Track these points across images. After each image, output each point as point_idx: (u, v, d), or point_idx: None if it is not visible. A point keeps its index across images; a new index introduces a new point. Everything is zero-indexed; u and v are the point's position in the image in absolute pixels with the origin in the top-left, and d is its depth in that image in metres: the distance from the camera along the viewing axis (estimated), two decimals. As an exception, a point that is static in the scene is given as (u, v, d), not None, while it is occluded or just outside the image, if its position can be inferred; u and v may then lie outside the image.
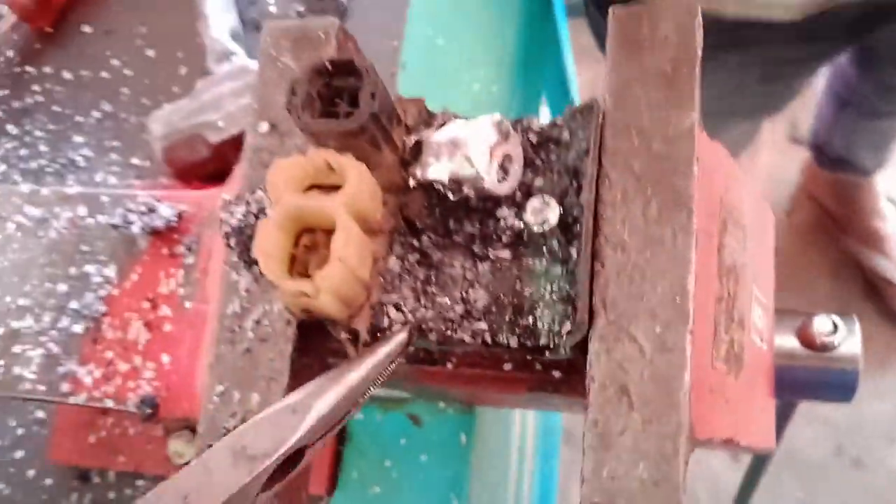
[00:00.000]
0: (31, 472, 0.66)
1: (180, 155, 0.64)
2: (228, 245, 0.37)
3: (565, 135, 0.36)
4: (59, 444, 0.64)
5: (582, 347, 0.33)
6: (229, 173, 0.59)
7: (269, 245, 0.31)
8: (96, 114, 0.73)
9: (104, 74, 0.73)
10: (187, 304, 0.51)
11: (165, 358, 0.50)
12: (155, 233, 0.52)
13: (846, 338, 0.48)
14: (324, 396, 0.31)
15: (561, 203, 0.35)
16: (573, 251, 0.35)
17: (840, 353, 0.49)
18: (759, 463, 0.84)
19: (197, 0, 0.68)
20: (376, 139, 0.33)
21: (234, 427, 0.35)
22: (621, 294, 0.33)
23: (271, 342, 0.36)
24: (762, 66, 0.90)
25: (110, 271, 0.53)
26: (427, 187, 0.35)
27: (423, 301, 0.36)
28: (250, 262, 0.37)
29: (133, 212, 0.52)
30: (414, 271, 0.36)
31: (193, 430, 0.62)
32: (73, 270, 0.53)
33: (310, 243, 0.33)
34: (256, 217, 0.36)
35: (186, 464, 0.62)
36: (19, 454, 0.67)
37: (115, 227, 0.52)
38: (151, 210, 0.52)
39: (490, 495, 0.65)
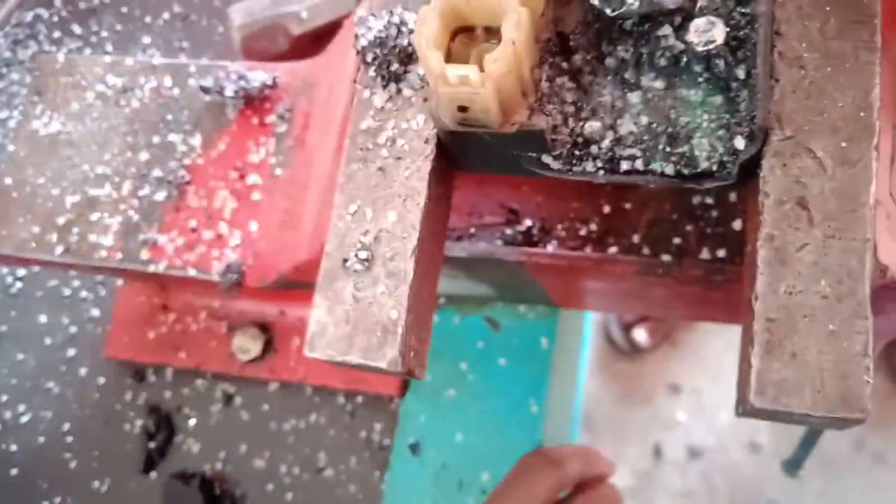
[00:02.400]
0: (83, 371, 0.64)
1: (259, 45, 0.62)
2: (364, 61, 0.35)
3: (728, -41, 0.34)
4: (117, 339, 0.62)
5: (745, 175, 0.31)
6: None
7: (431, 31, 0.29)
8: (166, 14, 0.71)
9: (175, -26, 0.71)
10: (278, 172, 0.49)
11: (254, 226, 0.48)
12: (246, 101, 0.50)
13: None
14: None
15: (726, 25, 0.33)
16: (740, 73, 0.33)
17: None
18: (814, 434, 0.82)
19: None
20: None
21: (366, 244, 0.33)
22: (798, 109, 0.31)
23: (408, 160, 0.34)
24: None
25: (195, 140, 0.51)
26: (584, 2, 0.33)
27: (572, 125, 0.33)
28: (389, 78, 0.34)
29: (224, 78, 0.50)
30: (562, 94, 0.34)
31: (261, 327, 0.60)
32: (156, 139, 0.51)
33: (468, 40, 0.31)
34: (399, 30, 0.34)
35: (252, 360, 0.60)
36: (71, 352, 0.64)
37: (205, 90, 0.50)
38: (242, 77, 0.50)
39: (564, 400, 0.62)
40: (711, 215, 0.47)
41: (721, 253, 0.46)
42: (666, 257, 0.47)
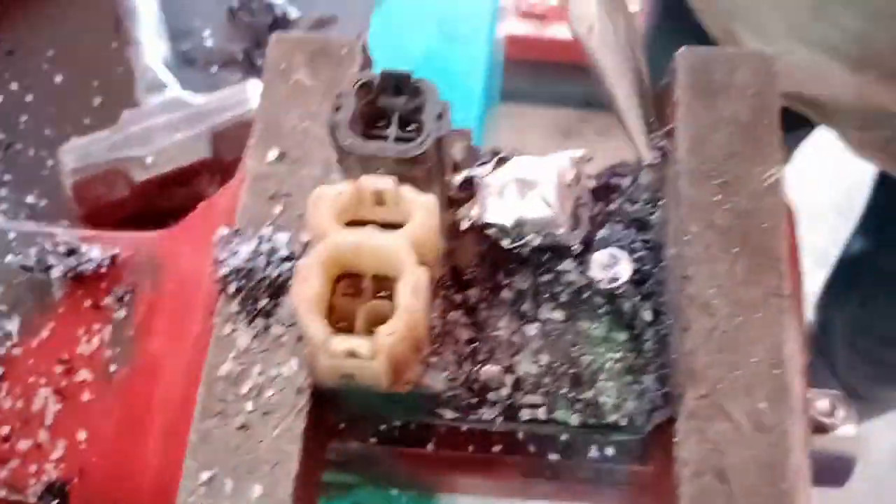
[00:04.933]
0: None
1: (95, 192, 0.55)
2: (224, 291, 0.30)
3: (626, 182, 0.32)
4: None
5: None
6: (151, 218, 0.51)
7: (312, 292, 0.25)
8: (-16, 142, 0.62)
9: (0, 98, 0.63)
10: (113, 368, 0.41)
11: (82, 434, 0.40)
12: (76, 280, 0.43)
13: (844, 420, 0.46)
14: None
15: (630, 256, 0.30)
16: (646, 314, 0.30)
17: (837, 436, 0.46)
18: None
19: (128, 25, 0.60)
20: (432, 171, 0.28)
21: (227, 527, 0.27)
22: (712, 364, 0.28)
23: (277, 415, 0.28)
24: None
25: (12, 325, 0.42)
26: (479, 233, 0.30)
27: (465, 367, 0.30)
28: (255, 314, 0.29)
29: (51, 252, 0.42)
30: (456, 331, 0.30)
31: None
32: (-40, 322, 0.43)
33: (353, 291, 0.26)
34: (268, 260, 0.29)
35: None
36: None
37: (26, 269, 0.42)
38: (73, 252, 0.43)
39: None
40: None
41: (609, 451, 0.43)
42: (553, 456, 0.43)
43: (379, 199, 0.26)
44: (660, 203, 0.31)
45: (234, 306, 0.29)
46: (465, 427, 0.29)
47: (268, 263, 0.29)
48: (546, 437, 0.44)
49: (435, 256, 0.27)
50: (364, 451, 0.44)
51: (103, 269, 0.43)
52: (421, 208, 0.26)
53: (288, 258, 0.29)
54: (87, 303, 0.43)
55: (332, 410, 0.30)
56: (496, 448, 0.44)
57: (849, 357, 0.98)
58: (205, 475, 0.28)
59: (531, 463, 0.43)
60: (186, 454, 0.28)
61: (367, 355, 0.24)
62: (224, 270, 0.29)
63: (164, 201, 0.56)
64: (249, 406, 0.28)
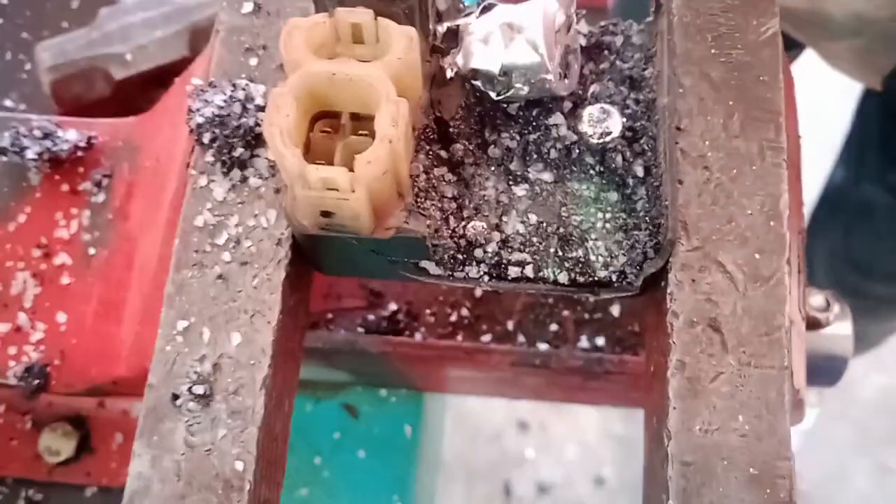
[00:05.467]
0: None
1: (74, 91, 0.53)
2: (199, 141, 0.28)
3: (618, 40, 0.31)
4: None
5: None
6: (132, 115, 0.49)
7: (286, 121, 0.23)
8: (-41, 44, 0.60)
9: (-27, -2, 0.61)
10: (93, 252, 0.40)
11: (62, 316, 0.40)
12: (53, 164, 0.42)
13: (838, 317, 0.46)
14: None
15: (621, 113, 0.29)
16: (638, 169, 0.29)
17: (830, 333, 0.46)
18: None
19: (103, -85, 0.58)
20: (413, 11, 0.27)
21: (202, 375, 0.26)
22: (705, 216, 0.28)
23: (256, 265, 0.27)
24: None
25: (-13, 210, 0.41)
26: (465, 83, 0.29)
27: (452, 224, 0.28)
28: (231, 164, 0.28)
29: (27, 136, 0.41)
30: (441, 188, 0.29)
31: (74, 423, 0.51)
32: (-66, 207, 0.41)
33: (330, 129, 0.25)
34: (244, 107, 0.28)
35: (63, 463, 0.50)
36: None
37: (2, 151, 0.41)
38: (48, 135, 0.41)
39: (431, 493, 0.57)
40: (588, 300, 0.44)
41: (600, 341, 0.43)
42: (543, 346, 0.43)
43: (357, 33, 0.25)
44: (652, 61, 0.30)
45: (209, 157, 0.28)
46: (451, 285, 0.28)
47: (243, 112, 0.28)
48: (536, 325, 0.43)
49: (416, 97, 0.26)
50: (351, 342, 0.43)
51: (80, 153, 0.42)
52: (401, 38, 0.24)
53: (263, 108, 0.28)
54: (65, 187, 0.42)
55: (313, 265, 0.29)
56: (485, 338, 0.43)
57: (831, 289, 0.97)
58: (181, 324, 0.27)
59: (520, 353, 0.43)
60: (163, 304, 0.27)
61: (345, 186, 0.23)
62: (198, 120, 0.28)
63: (144, 102, 0.54)
64: (227, 257, 0.28)
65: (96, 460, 0.50)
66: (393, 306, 0.43)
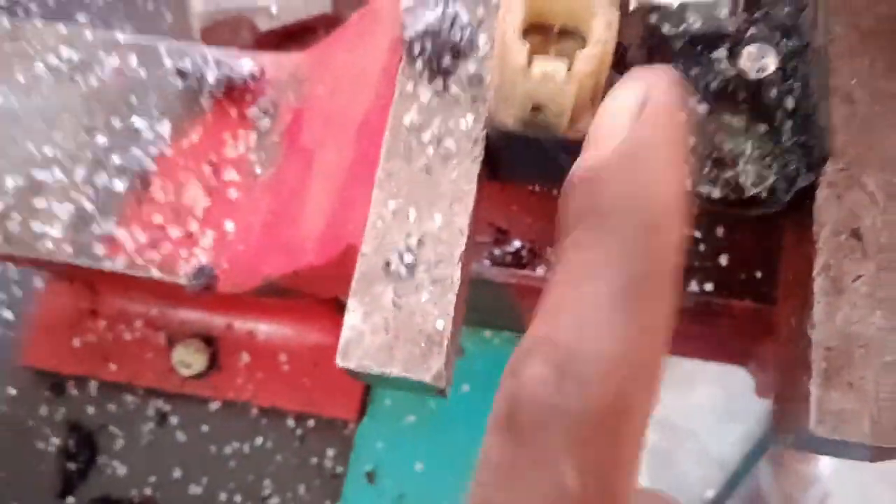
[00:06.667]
0: (-12, 380, 0.56)
1: (219, 38, 0.58)
2: (409, 53, 0.33)
3: (770, -6, 0.35)
4: (36, 346, 0.55)
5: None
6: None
7: (517, 20, 0.28)
8: (107, -8, 0.65)
9: (122, -51, 0.66)
10: (259, 171, 0.45)
11: (230, 225, 0.44)
12: (224, 91, 0.46)
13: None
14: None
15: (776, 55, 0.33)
16: (789, 103, 0.33)
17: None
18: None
19: None
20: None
21: (410, 247, 0.31)
22: (850, 142, 0.31)
23: (455, 161, 0.32)
24: None
25: (164, 128, 0.46)
26: (645, 15, 0.33)
27: (621, 140, 0.33)
28: (437, 72, 0.33)
29: (204, 63, 0.46)
30: (613, 108, 0.33)
31: (205, 340, 0.55)
32: (116, 122, 0.46)
33: (542, 38, 0.30)
34: (452, 23, 0.32)
35: (195, 376, 0.54)
36: (-26, 358, 0.57)
37: (183, 75, 0.46)
38: (224, 64, 0.46)
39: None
40: (699, 249, 0.47)
41: (709, 287, 0.47)
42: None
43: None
44: (804, 11, 0.34)
45: (418, 65, 0.32)
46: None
47: (451, 27, 0.32)
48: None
49: (616, 14, 0.30)
50: (479, 273, 0.47)
51: (250, 82, 0.46)
52: (610, -38, 0.28)
53: (467, 26, 0.32)
54: (234, 112, 0.46)
55: (494, 164, 0.33)
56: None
57: None
58: (392, 204, 0.31)
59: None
60: (374, 188, 0.31)
61: (562, 79, 0.27)
62: (409, 32, 0.32)
63: (285, 50, 0.59)
64: (430, 151, 0.32)
65: (223, 376, 0.55)
66: (517, 243, 0.47)
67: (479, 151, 0.32)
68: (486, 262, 0.47)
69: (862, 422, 0.28)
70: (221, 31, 0.58)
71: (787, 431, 0.31)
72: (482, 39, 0.33)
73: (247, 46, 0.58)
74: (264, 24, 0.58)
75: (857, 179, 0.31)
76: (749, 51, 0.33)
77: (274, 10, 0.57)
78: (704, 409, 1.27)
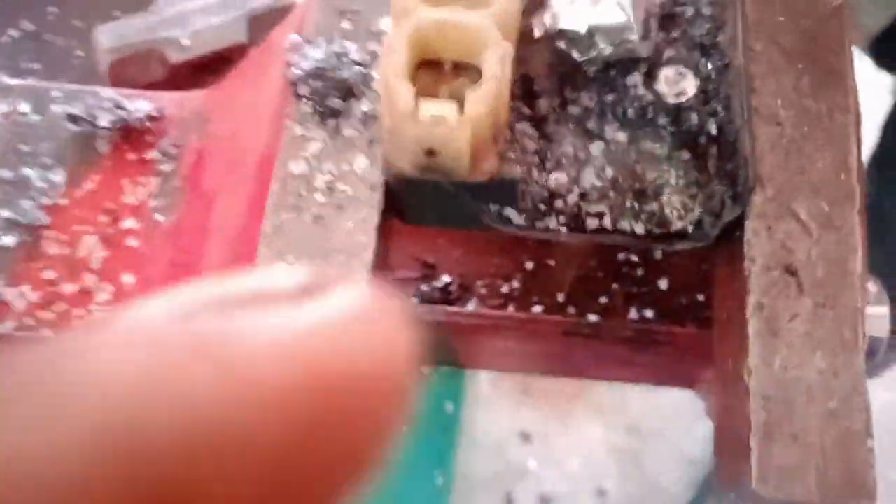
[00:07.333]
0: None
1: (130, 73, 0.54)
2: (297, 94, 0.30)
3: (689, 11, 0.33)
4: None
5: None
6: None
7: (400, 61, 0.25)
8: (12, 31, 0.61)
9: (28, -15, 0.62)
10: (161, 218, 0.42)
11: (128, 278, 0.41)
12: (123, 134, 0.43)
13: (876, 298, 0.47)
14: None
15: (695, 76, 0.31)
16: (711, 127, 0.31)
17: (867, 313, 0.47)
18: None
19: None
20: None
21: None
22: (778, 167, 0.29)
23: (351, 209, 0.29)
24: None
25: (57, 177, 0.43)
26: (551, 41, 0.30)
27: (535, 177, 0.30)
28: (326, 114, 0.30)
29: (97, 107, 0.43)
30: (524, 142, 0.30)
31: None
32: (6, 173, 0.43)
33: (434, 76, 0.27)
34: (340, 61, 0.29)
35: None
36: None
37: (74, 120, 0.42)
38: (119, 106, 0.43)
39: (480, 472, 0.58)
40: (637, 273, 0.45)
41: (649, 313, 0.44)
42: (592, 317, 0.44)
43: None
44: (723, 29, 0.32)
45: (306, 107, 0.29)
46: (531, 236, 0.30)
47: (340, 65, 0.29)
48: (586, 298, 0.45)
49: (513, 44, 0.28)
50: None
51: (149, 124, 0.43)
52: (505, -10, 0.26)
53: (358, 63, 0.30)
54: (132, 156, 0.43)
55: (398, 215, 0.30)
56: (536, 308, 0.44)
57: None
58: (279, 264, 0.28)
59: (571, 323, 0.44)
60: (259, 244, 0.28)
61: (453, 122, 0.25)
62: (296, 72, 0.29)
63: (193, 86, 0.56)
64: (322, 199, 0.29)
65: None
66: (446, 278, 0.45)
67: (378, 199, 0.29)
68: (414, 300, 0.45)
69: (807, 478, 0.26)
70: (131, 66, 0.55)
71: (730, 488, 0.28)
72: (377, 76, 0.30)
73: (158, 80, 0.55)
74: (176, 56, 0.54)
75: (788, 207, 0.29)
76: (666, 74, 0.31)
77: (186, 41, 0.54)
78: (673, 408, 1.26)
